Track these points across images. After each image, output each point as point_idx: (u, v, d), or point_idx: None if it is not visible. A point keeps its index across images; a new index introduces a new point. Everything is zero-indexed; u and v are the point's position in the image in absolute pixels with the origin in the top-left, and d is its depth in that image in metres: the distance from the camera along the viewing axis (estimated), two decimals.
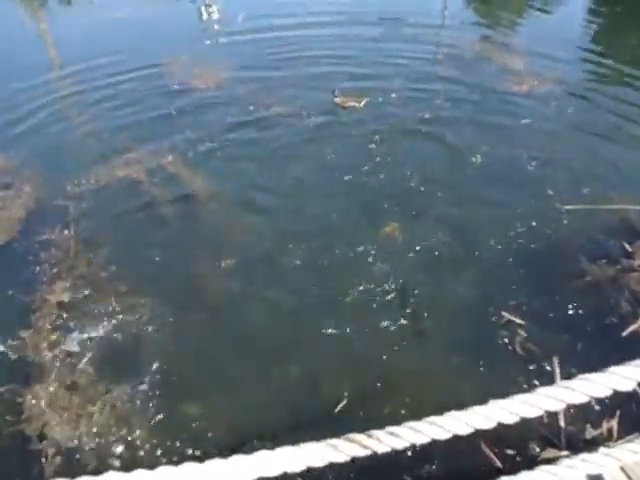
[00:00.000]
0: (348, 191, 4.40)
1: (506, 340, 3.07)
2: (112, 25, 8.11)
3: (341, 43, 7.13)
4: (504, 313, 3.20)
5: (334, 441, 1.35)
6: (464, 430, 1.36)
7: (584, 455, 1.62)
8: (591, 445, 2.44)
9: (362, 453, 1.35)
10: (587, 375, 1.39)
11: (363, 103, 5.45)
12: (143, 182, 4.54)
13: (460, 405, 1.39)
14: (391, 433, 1.36)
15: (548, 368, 2.86)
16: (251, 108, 5.61)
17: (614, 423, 2.48)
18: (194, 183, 4.51)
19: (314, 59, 6.68)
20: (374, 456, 2.26)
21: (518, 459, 2.39)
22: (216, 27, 8.41)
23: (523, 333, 3.08)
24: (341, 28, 7.65)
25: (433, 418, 1.38)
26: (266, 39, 7.30)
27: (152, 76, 6.37)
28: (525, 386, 2.77)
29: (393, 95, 5.77)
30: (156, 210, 4.25)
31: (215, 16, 8.86)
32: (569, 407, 2.48)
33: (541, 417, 2.55)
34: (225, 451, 2.49)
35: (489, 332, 3.13)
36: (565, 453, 2.36)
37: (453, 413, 1.38)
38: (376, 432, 1.37)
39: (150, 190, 4.44)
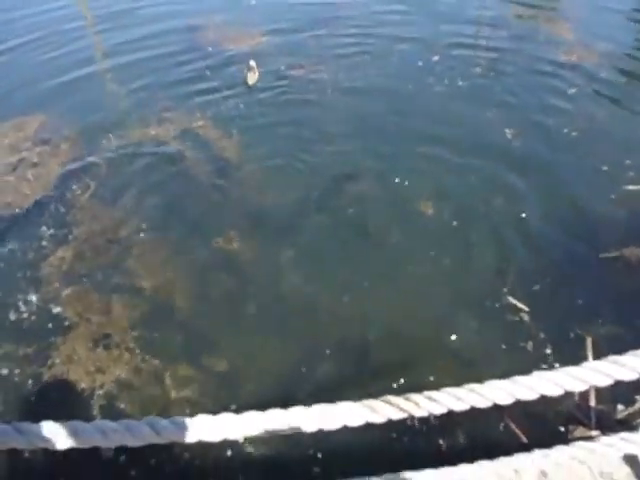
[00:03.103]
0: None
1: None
2: None
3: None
4: (510, 298, 3.09)
5: (371, 402, 1.35)
6: (505, 400, 1.33)
7: (623, 434, 1.58)
8: (622, 425, 2.40)
9: (399, 416, 1.34)
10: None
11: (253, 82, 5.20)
12: (174, 142, 4.55)
13: None
14: (429, 398, 1.35)
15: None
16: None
17: None
18: (224, 144, 4.50)
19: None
20: (395, 426, 2.31)
21: (546, 437, 2.35)
22: None
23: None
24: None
25: (473, 385, 1.35)
26: None
27: (187, 37, 6.31)
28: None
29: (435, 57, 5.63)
30: (186, 171, 4.24)
31: None
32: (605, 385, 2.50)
33: (571, 396, 2.53)
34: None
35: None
36: (595, 433, 2.31)
37: (494, 382, 1.35)
38: (414, 395, 1.35)
39: (181, 151, 4.44)
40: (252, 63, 5.20)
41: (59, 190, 4.09)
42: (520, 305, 3.05)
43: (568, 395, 2.49)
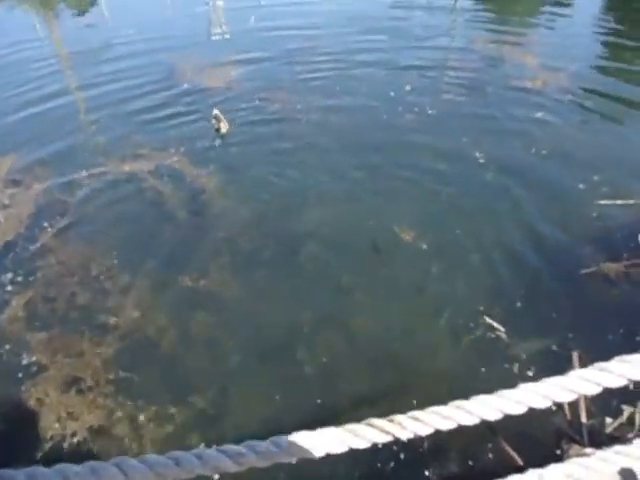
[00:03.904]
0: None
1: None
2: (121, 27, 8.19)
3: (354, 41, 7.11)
4: (487, 318, 3.06)
5: (354, 426, 1.27)
6: (492, 415, 1.27)
7: (617, 447, 1.52)
8: (614, 439, 2.34)
9: (384, 439, 1.27)
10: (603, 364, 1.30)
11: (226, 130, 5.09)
12: (149, 178, 4.50)
13: None
14: (414, 418, 1.28)
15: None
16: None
17: (635, 411, 2.38)
18: (200, 179, 4.47)
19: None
20: (382, 452, 2.21)
21: (540, 457, 2.28)
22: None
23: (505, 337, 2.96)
24: (352, 30, 7.65)
25: (459, 402, 1.29)
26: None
27: (162, 74, 6.39)
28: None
29: (407, 87, 5.76)
30: (162, 207, 4.17)
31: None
32: (589, 400, 2.45)
33: (562, 412, 2.48)
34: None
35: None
36: (589, 450, 2.25)
37: (481, 397, 1.30)
38: (398, 417, 1.29)
39: (155, 186, 4.39)
40: (217, 112, 5.02)
41: (29, 231, 3.98)
42: (496, 325, 3.01)
43: (558, 411, 2.47)
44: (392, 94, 5.71)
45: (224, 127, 5.04)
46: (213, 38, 7.99)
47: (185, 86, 6.11)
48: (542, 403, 1.27)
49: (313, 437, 1.26)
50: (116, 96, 5.95)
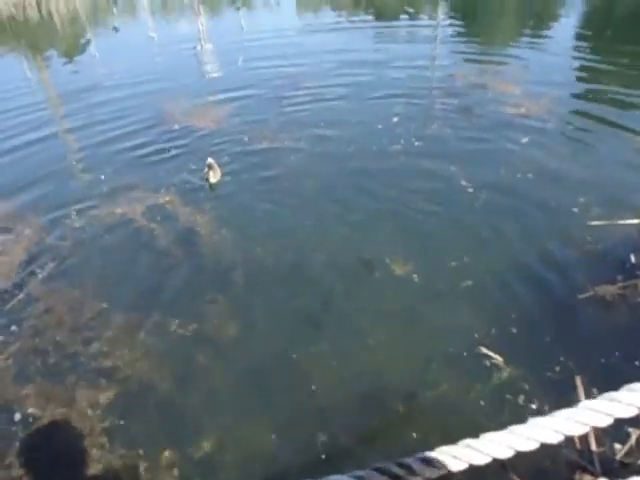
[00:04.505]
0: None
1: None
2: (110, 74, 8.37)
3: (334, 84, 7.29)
4: (482, 348, 3.01)
5: (361, 472, 1.23)
6: (504, 453, 1.24)
7: (634, 479, 1.49)
8: (625, 467, 2.29)
9: None
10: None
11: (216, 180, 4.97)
12: (140, 219, 4.49)
13: None
14: (423, 460, 1.24)
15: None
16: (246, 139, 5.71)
17: None
18: (193, 220, 4.47)
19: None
20: None
21: None
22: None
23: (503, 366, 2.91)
24: (335, 65, 7.87)
25: (469, 441, 1.26)
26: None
27: (152, 116, 6.48)
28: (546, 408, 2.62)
29: (394, 119, 5.87)
30: (154, 248, 4.13)
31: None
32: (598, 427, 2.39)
33: (571, 442, 2.42)
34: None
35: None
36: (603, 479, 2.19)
37: (490, 434, 1.26)
38: (407, 460, 1.24)
39: (147, 227, 4.38)
40: (211, 161, 4.94)
41: (19, 278, 3.92)
42: (493, 355, 2.96)
43: (567, 441, 2.41)
44: (379, 126, 5.82)
45: (214, 176, 4.91)
46: (201, 78, 8.18)
47: (175, 127, 6.20)
48: (554, 438, 1.24)
49: None
50: (105, 138, 6.04)
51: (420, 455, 1.26)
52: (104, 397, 2.93)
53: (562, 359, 2.90)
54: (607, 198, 4.23)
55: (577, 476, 2.26)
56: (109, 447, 2.66)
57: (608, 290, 3.26)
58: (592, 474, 2.25)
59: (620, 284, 3.29)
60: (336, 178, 4.90)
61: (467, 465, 1.25)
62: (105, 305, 3.63)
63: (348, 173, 4.97)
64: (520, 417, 2.66)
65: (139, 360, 3.18)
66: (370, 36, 9.63)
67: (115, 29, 13.29)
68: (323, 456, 2.52)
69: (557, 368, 2.86)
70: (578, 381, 2.67)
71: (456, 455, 1.25)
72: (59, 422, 2.79)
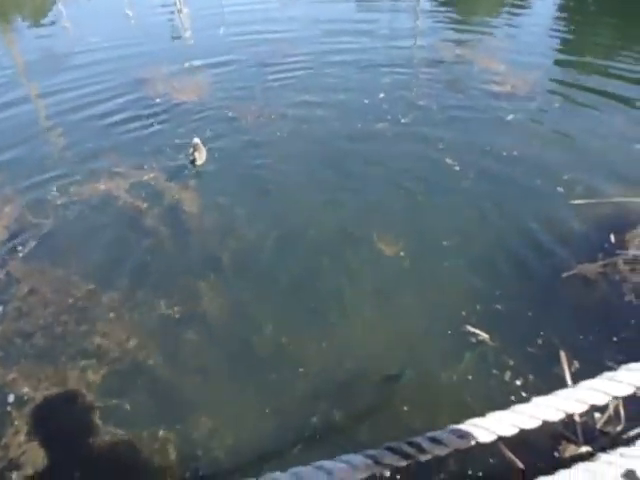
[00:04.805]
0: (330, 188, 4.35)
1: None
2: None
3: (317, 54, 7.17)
4: (468, 327, 3.08)
5: (374, 452, 1.27)
6: (509, 431, 1.30)
7: (621, 450, 1.57)
8: (605, 434, 2.42)
9: (404, 463, 1.27)
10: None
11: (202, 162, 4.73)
12: (124, 196, 4.39)
13: None
14: (433, 439, 1.29)
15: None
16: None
17: (618, 404, 2.44)
18: (179, 195, 4.40)
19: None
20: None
21: (539, 460, 2.33)
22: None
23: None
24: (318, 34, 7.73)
25: (475, 420, 1.32)
26: None
27: (133, 89, 6.28)
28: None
29: (381, 95, 5.86)
30: (141, 228, 4.06)
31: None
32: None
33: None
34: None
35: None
36: (585, 449, 2.32)
37: (496, 414, 1.32)
38: (417, 439, 1.29)
39: (132, 204, 4.29)
40: (196, 140, 4.73)
41: (0, 257, 3.82)
42: (479, 332, 3.04)
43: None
44: (366, 101, 5.77)
45: (200, 158, 4.69)
46: (179, 45, 7.94)
47: (157, 99, 6.03)
48: (555, 416, 1.30)
49: (333, 466, 1.25)
50: (85, 110, 5.83)
51: (430, 434, 1.31)
52: (96, 377, 2.93)
53: (545, 335, 3.01)
54: (590, 176, 4.32)
55: (562, 446, 2.38)
56: (104, 427, 2.67)
57: (590, 269, 3.37)
58: (575, 443, 2.37)
59: (601, 262, 3.40)
60: (322, 156, 4.87)
61: (474, 442, 1.31)
62: (91, 285, 3.58)
63: (334, 150, 4.93)
64: (506, 392, 2.78)
65: (129, 340, 3.17)
66: (352, 6, 9.43)
67: None
68: (317, 436, 2.58)
69: (541, 343, 2.97)
70: (562, 356, 2.77)
71: (463, 433, 1.30)
72: (53, 402, 2.78)
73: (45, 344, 3.14)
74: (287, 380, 2.87)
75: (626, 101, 5.58)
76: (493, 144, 4.87)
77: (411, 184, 4.39)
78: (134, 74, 6.70)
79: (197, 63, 7.01)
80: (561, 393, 1.30)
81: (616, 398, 1.46)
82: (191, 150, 4.70)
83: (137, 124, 5.51)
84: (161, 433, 2.65)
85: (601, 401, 1.27)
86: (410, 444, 1.29)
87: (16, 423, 2.69)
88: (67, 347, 3.12)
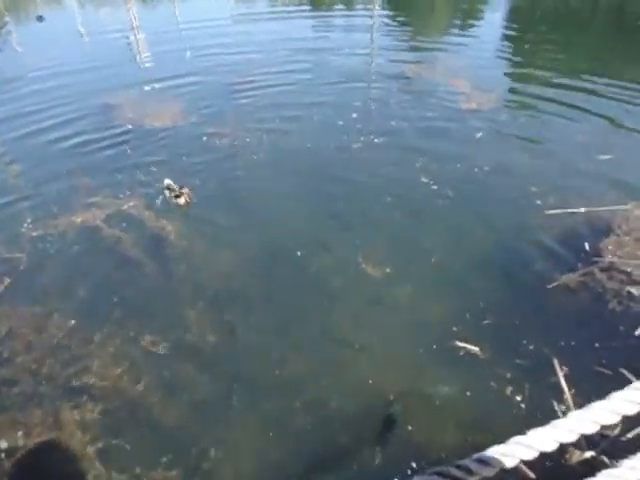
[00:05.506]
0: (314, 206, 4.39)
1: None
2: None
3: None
4: (458, 342, 3.13)
5: (421, 477, 1.29)
6: (550, 447, 1.34)
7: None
8: (605, 439, 2.51)
9: None
10: None
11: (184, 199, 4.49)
12: (103, 228, 4.27)
13: None
14: (479, 460, 1.32)
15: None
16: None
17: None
18: (159, 223, 4.31)
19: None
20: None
21: (548, 468, 2.39)
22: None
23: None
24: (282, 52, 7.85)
25: (518, 438, 1.35)
26: None
27: (103, 115, 6.16)
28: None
29: (353, 115, 5.99)
30: (122, 260, 3.94)
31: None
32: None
33: None
34: None
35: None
36: (590, 453, 2.41)
37: (537, 430, 1.36)
38: (465, 462, 1.32)
39: (112, 236, 4.17)
40: (167, 182, 4.48)
41: None
42: (470, 347, 3.10)
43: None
44: (341, 122, 5.87)
45: (185, 198, 4.46)
46: (139, 68, 7.89)
47: (128, 126, 5.94)
48: (592, 428, 1.36)
49: None
50: (39, 132, 5.73)
51: (476, 456, 1.34)
52: (91, 418, 2.80)
53: (536, 347, 3.09)
54: (560, 187, 4.55)
55: (567, 454, 2.46)
56: (104, 470, 2.55)
57: (570, 278, 3.53)
58: (580, 449, 2.46)
59: (580, 271, 3.57)
60: (298, 177, 4.91)
61: (518, 461, 1.35)
62: (74, 322, 3.43)
63: (310, 171, 4.99)
64: (505, 403, 2.83)
65: (120, 376, 3.06)
66: (309, 25, 9.71)
67: (39, 18, 12.32)
68: (318, 460, 2.55)
69: (533, 355, 3.04)
70: (556, 363, 2.88)
71: (507, 453, 1.34)
72: (48, 447, 2.64)
73: (33, 389, 2.98)
74: (285, 410, 2.81)
75: (585, 111, 5.96)
76: (466, 161, 5.05)
77: (390, 203, 4.47)
78: (95, 99, 6.61)
79: (160, 85, 7.01)
80: (596, 405, 1.35)
81: None
82: (169, 194, 4.52)
83: (112, 151, 5.38)
84: (163, 471, 2.55)
85: (633, 411, 1.33)
86: (458, 467, 1.31)
87: (10, 472, 2.53)
88: (56, 390, 2.97)
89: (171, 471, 2.56)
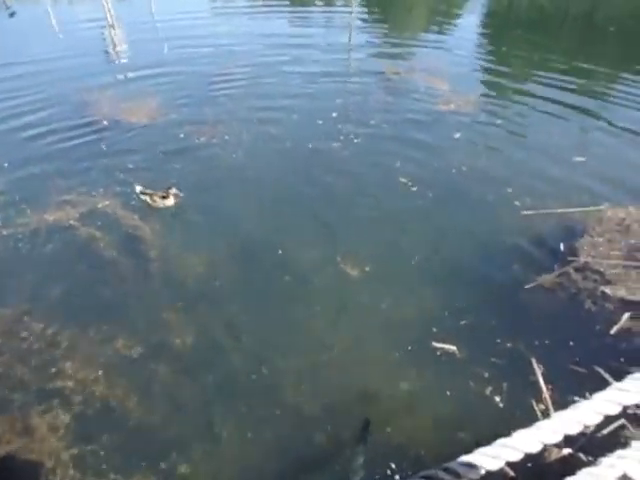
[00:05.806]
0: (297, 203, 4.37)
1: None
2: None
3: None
4: (435, 343, 3.16)
5: None
6: (535, 447, 1.35)
7: (619, 452, 1.67)
8: (583, 436, 2.56)
9: None
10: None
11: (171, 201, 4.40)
12: (77, 227, 4.14)
13: None
14: (466, 463, 1.32)
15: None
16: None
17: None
18: (135, 222, 4.21)
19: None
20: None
21: (528, 466, 2.42)
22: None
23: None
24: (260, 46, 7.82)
25: (503, 440, 1.36)
26: None
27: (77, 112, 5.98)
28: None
29: (334, 114, 6.01)
30: (98, 261, 3.83)
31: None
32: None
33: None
34: None
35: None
36: (567, 451, 2.45)
37: (521, 432, 1.37)
38: (451, 464, 1.32)
39: (86, 235, 4.05)
40: (138, 188, 4.37)
41: None
42: (447, 347, 3.13)
43: None
44: (320, 122, 5.85)
45: (173, 199, 4.37)
46: (115, 62, 7.72)
47: (104, 122, 5.78)
48: (575, 429, 1.37)
49: None
50: (31, 138, 5.47)
51: (463, 459, 1.34)
52: (64, 423, 2.71)
53: (513, 344, 3.15)
54: (536, 188, 4.64)
55: (546, 451, 2.50)
56: (79, 476, 2.48)
57: (546, 279, 3.59)
58: (557, 446, 2.50)
59: (556, 272, 3.64)
60: (278, 177, 4.88)
61: (504, 463, 1.35)
62: (44, 324, 3.31)
63: (290, 171, 4.96)
64: (484, 402, 2.85)
65: (94, 380, 2.97)
66: (287, 21, 9.68)
67: (11, 14, 11.86)
68: (297, 462, 2.54)
69: (512, 354, 3.09)
70: (534, 363, 2.93)
71: (494, 455, 1.34)
72: (20, 454, 2.54)
73: (2, 395, 2.86)
74: (262, 412, 2.79)
75: (559, 113, 6.08)
76: (445, 161, 5.10)
77: (371, 205, 4.47)
78: (70, 95, 6.44)
79: (136, 80, 6.89)
80: (580, 406, 1.37)
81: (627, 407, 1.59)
82: (143, 197, 4.40)
83: (87, 148, 5.24)
84: (140, 477, 2.49)
85: (615, 411, 1.35)
86: (446, 470, 1.31)
87: None
88: (28, 395, 2.86)
89: (149, 476, 2.50)
